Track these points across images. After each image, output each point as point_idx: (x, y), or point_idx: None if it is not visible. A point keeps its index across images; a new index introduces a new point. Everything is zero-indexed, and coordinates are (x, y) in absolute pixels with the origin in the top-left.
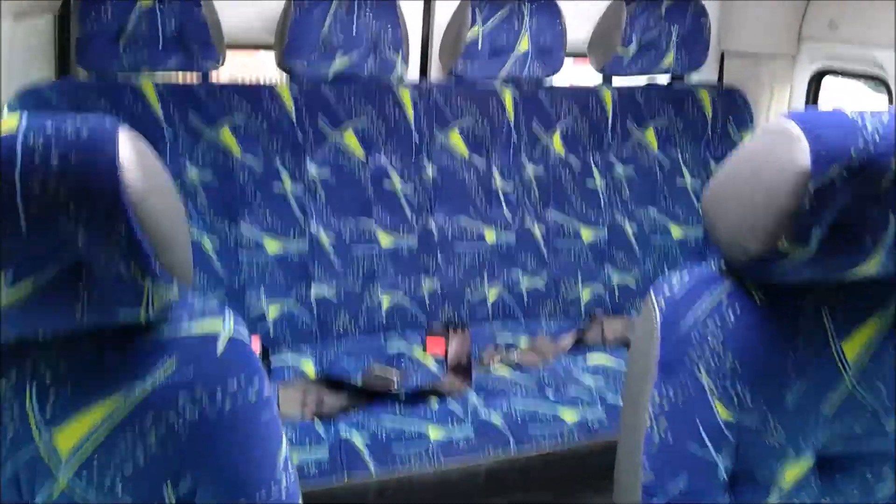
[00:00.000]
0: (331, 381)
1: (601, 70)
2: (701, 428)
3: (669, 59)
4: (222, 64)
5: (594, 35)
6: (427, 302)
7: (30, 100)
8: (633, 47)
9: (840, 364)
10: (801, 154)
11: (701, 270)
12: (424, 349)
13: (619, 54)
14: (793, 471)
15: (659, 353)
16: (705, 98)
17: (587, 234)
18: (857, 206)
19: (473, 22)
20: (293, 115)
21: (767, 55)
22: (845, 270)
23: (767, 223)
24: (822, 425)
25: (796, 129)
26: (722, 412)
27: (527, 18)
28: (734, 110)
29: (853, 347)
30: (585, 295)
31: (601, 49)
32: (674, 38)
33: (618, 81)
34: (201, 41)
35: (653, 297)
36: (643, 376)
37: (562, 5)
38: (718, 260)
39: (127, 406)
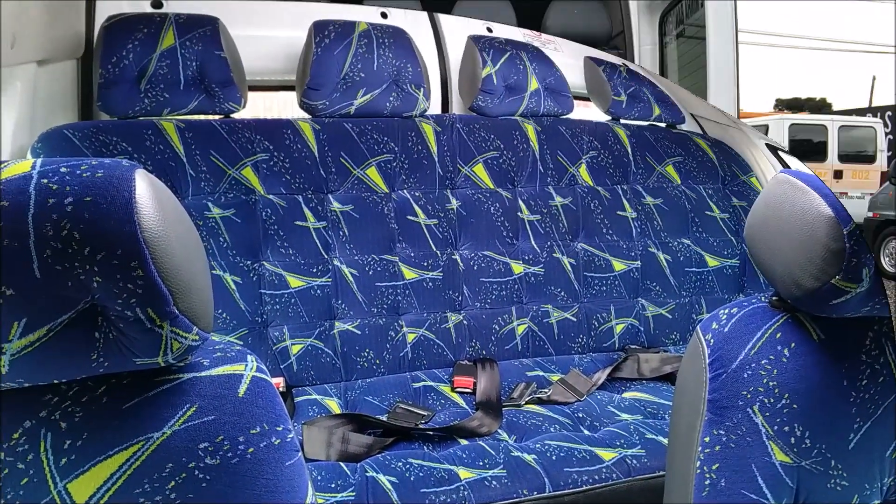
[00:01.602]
0: (356, 419)
1: (607, 112)
2: (756, 472)
3: (657, 111)
4: (244, 106)
5: (587, 82)
6: (453, 337)
7: (53, 143)
8: (623, 97)
9: None
10: (822, 204)
11: (751, 304)
12: (452, 385)
13: (617, 100)
14: None
15: (708, 393)
16: (704, 145)
17: (619, 266)
18: None
19: (484, 63)
20: (316, 151)
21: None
22: None
23: (818, 260)
24: (889, 468)
25: (804, 184)
26: (779, 454)
27: (527, 63)
28: (732, 157)
29: None
30: (619, 328)
31: (601, 94)
32: (649, 95)
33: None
34: (223, 83)
35: (700, 334)
36: (692, 417)
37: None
38: (768, 293)
39: (145, 453)
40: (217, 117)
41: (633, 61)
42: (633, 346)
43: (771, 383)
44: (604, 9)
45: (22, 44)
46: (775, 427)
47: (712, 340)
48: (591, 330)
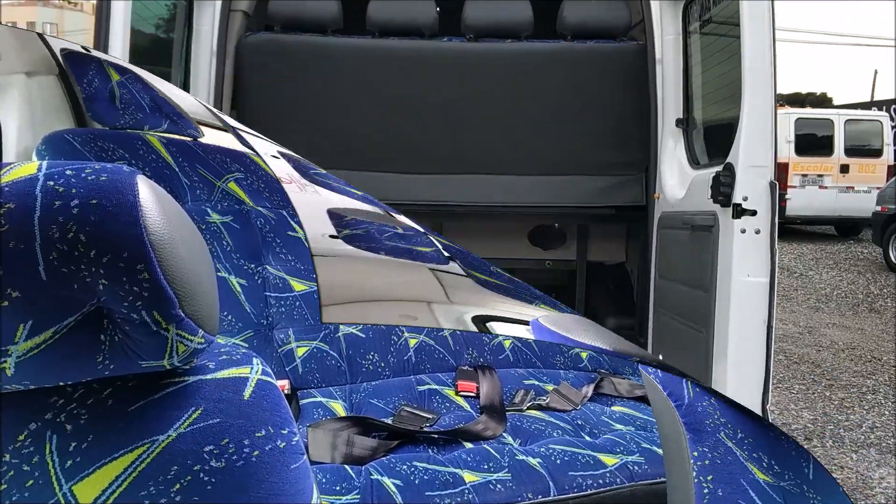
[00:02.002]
0: (361, 421)
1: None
2: (747, 486)
3: None
4: (203, 135)
5: None
6: (451, 344)
7: (56, 146)
8: None
9: None
10: None
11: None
12: (456, 389)
13: None
14: None
15: (681, 416)
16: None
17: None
18: None
19: None
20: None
21: None
22: None
23: None
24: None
25: None
26: (759, 474)
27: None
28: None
29: None
30: (584, 354)
31: None
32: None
33: None
34: (176, 115)
35: (644, 374)
36: (676, 434)
37: None
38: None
39: (150, 456)
40: (189, 139)
41: (653, 52)
42: (602, 371)
43: (722, 419)
44: None
45: (7, 57)
46: (746, 452)
47: (657, 381)
48: (562, 353)
